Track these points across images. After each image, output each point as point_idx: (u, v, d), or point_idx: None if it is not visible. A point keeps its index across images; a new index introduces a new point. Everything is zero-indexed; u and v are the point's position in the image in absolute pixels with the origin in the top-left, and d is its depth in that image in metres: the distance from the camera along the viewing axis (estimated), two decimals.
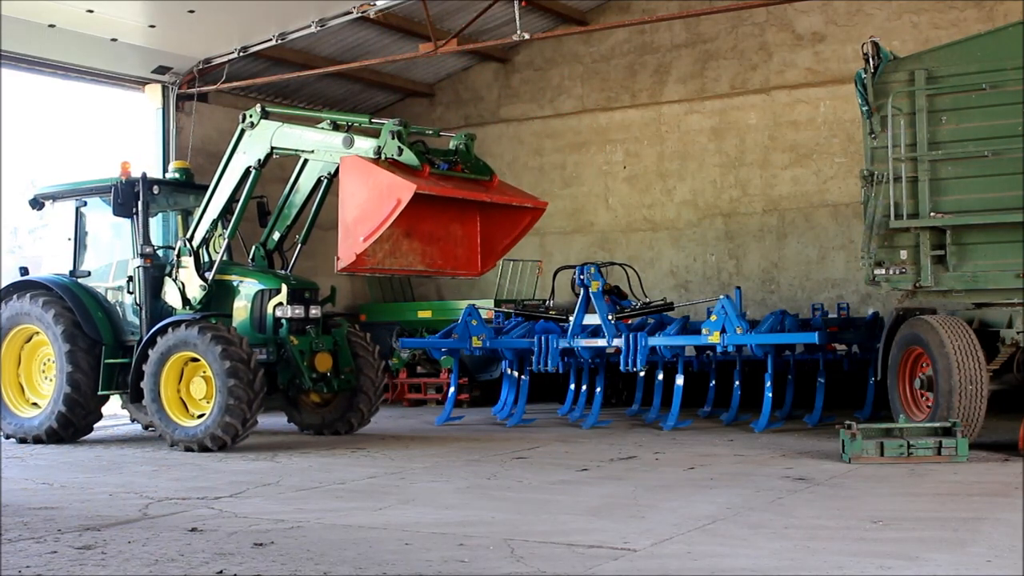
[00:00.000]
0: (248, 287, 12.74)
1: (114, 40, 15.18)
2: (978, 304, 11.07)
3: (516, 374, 14.66)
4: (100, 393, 12.68)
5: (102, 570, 6.16)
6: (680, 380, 13.32)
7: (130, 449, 12.19)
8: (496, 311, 15.66)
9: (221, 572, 6.04)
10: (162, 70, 16.40)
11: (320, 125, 12.33)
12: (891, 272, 11.17)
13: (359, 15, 15.66)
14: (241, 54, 16.20)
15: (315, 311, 12.84)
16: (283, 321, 12.52)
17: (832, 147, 16.80)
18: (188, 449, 11.69)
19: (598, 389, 14.01)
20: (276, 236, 13.28)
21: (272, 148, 12.44)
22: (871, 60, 11.12)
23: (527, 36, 14.85)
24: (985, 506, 7.77)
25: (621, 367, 13.36)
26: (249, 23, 15.78)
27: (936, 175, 10.94)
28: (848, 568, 5.87)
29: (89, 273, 13.16)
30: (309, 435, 13.28)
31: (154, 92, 16.66)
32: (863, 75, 11.14)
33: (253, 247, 13.39)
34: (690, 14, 16.20)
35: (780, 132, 17.25)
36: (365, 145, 11.64)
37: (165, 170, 15.68)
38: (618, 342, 13.36)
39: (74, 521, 7.66)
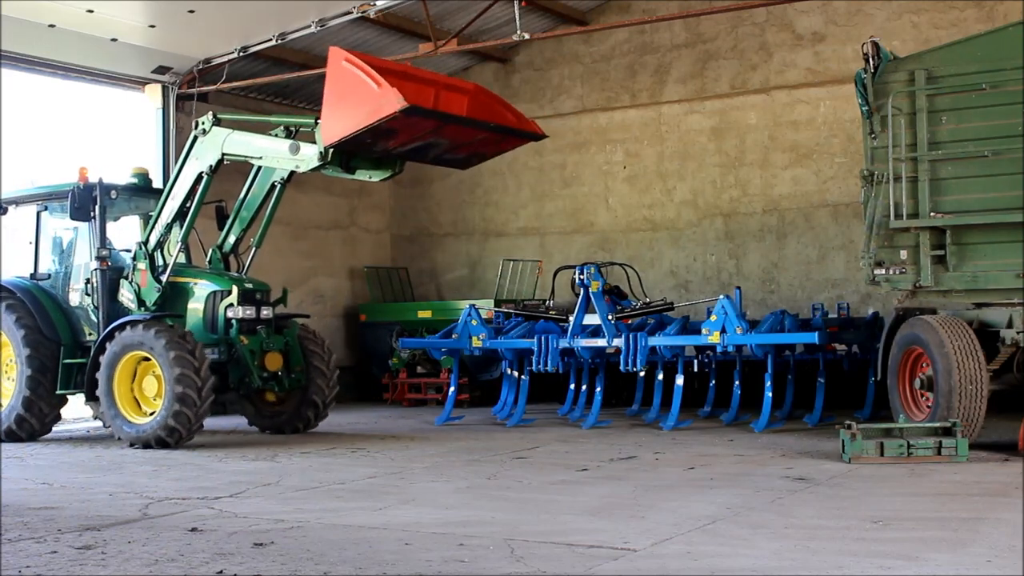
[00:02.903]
0: (201, 288, 13.10)
1: (114, 40, 15.17)
2: (978, 304, 11.07)
3: (516, 374, 14.66)
4: (59, 392, 13.03)
5: (102, 570, 6.16)
6: (680, 380, 13.32)
7: (130, 449, 12.18)
8: (496, 311, 15.65)
9: (221, 572, 6.04)
10: (162, 70, 16.39)
11: (273, 132, 12.58)
12: (891, 272, 11.17)
13: (359, 15, 15.64)
14: (241, 54, 16.19)
15: (266, 312, 13.18)
16: (233, 321, 12.80)
17: (832, 147, 16.80)
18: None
19: (598, 389, 14.00)
20: (232, 239, 13.64)
21: (223, 154, 12.74)
22: (871, 60, 11.12)
23: (527, 36, 14.84)
24: (985, 506, 7.77)
25: (621, 367, 13.36)
26: (249, 23, 15.76)
27: (936, 175, 10.94)
28: (848, 568, 5.87)
29: (49, 276, 13.52)
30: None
31: (154, 92, 16.65)
32: (863, 75, 11.14)
33: (210, 250, 13.74)
34: (690, 14, 16.20)
35: (780, 132, 17.24)
36: (310, 152, 11.96)
37: (165, 170, 15.76)
38: (618, 342, 13.36)
39: (74, 521, 7.66)
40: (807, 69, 17.01)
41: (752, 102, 17.45)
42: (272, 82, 16.83)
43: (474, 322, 14.40)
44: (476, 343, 14.32)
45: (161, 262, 13.27)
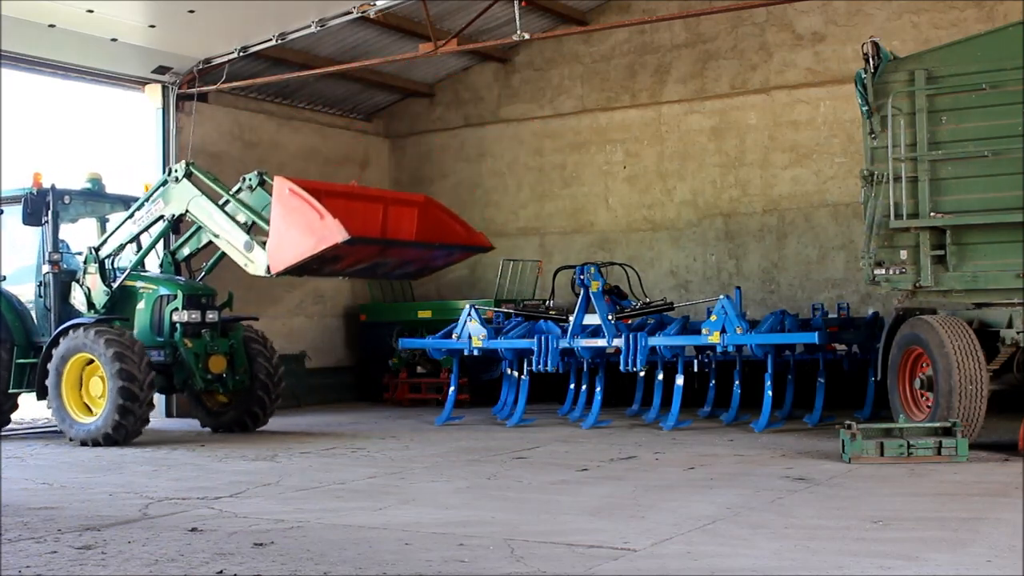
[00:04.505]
0: (149, 293, 13.47)
1: (114, 40, 15.17)
2: (978, 304, 11.07)
3: (516, 374, 14.66)
4: (11, 391, 13.36)
5: (102, 570, 6.16)
6: (680, 380, 13.31)
7: (130, 449, 12.21)
8: (496, 311, 15.64)
9: (221, 572, 6.04)
10: (162, 70, 16.38)
11: (232, 209, 12.95)
12: (891, 272, 11.17)
13: (359, 15, 15.64)
14: (241, 54, 16.19)
15: (212, 315, 13.54)
16: (178, 325, 13.18)
17: (832, 147, 16.78)
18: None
19: (598, 389, 13.99)
20: (186, 251, 14.00)
21: (187, 211, 13.23)
22: (871, 60, 11.11)
23: (527, 36, 14.83)
24: (985, 506, 7.78)
25: (621, 367, 13.36)
26: (249, 23, 15.76)
27: (936, 175, 10.94)
28: (848, 568, 5.87)
29: (5, 277, 13.80)
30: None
31: (154, 92, 16.65)
32: (863, 75, 11.13)
33: (163, 253, 14.09)
34: (690, 14, 16.19)
35: (780, 132, 17.23)
36: (260, 260, 12.45)
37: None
38: (618, 342, 13.36)
39: (74, 521, 7.67)
40: (807, 69, 17.00)
41: (752, 102, 17.44)
42: (272, 82, 16.83)
43: (474, 322, 14.39)
44: (476, 343, 14.32)
45: (111, 267, 13.64)
